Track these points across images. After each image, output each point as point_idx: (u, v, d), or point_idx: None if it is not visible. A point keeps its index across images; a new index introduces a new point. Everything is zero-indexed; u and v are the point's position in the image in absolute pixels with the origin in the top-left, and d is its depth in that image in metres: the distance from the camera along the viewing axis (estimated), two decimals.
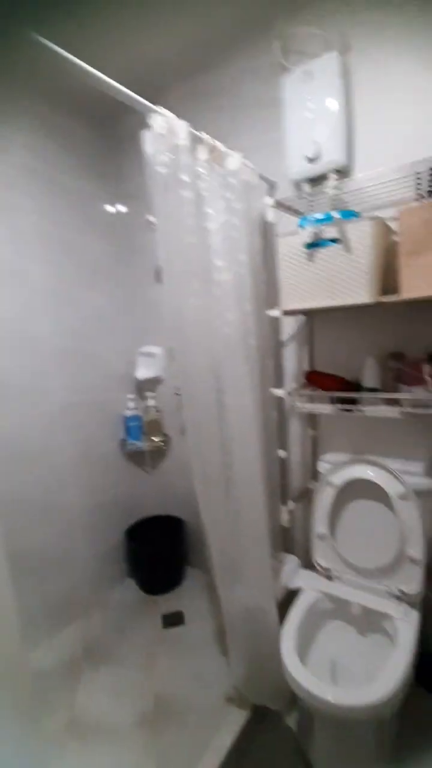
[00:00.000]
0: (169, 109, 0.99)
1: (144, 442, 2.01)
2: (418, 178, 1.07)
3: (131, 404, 2.00)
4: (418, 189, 1.09)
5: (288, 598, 1.31)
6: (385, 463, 1.25)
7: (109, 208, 1.97)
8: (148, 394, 2.00)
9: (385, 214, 1.19)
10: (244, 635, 1.22)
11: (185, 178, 1.03)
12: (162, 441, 2.03)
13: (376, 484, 1.24)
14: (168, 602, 1.86)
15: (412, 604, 1.20)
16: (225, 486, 1.19)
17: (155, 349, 1.99)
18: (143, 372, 2.02)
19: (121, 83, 0.89)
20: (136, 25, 1.45)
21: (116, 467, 2.03)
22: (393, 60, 1.23)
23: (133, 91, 0.92)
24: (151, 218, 1.68)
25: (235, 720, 1.23)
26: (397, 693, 0.98)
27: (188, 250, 1.06)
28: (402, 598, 1.21)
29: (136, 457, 2.11)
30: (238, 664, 1.25)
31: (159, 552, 1.97)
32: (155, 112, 0.97)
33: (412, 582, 1.20)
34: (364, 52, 1.27)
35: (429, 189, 1.06)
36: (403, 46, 1.21)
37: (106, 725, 1.31)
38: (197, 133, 1.08)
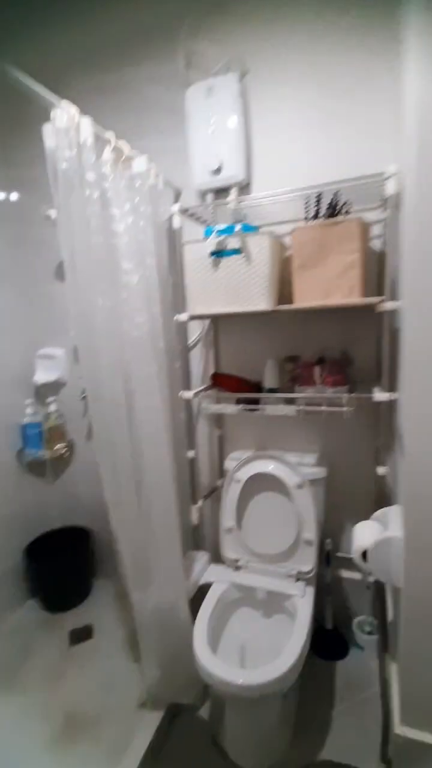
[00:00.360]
0: (70, 101, 0.96)
1: (45, 450, 1.88)
2: (308, 202, 1.20)
3: (29, 410, 1.85)
4: (309, 211, 1.22)
5: (199, 594, 1.35)
6: (284, 456, 1.37)
7: None
8: (49, 398, 1.87)
9: (281, 229, 1.31)
10: (157, 636, 1.23)
11: (90, 177, 1.01)
12: (65, 448, 1.92)
13: (276, 476, 1.35)
14: (76, 617, 1.76)
15: (308, 582, 1.34)
16: (136, 489, 1.18)
17: (56, 351, 1.87)
18: (43, 375, 1.89)
19: (16, 66, 0.84)
20: (38, 10, 1.38)
21: (13, 480, 1.86)
22: (284, 90, 1.36)
23: (29, 76, 0.86)
24: (51, 213, 1.60)
25: (150, 722, 1.22)
26: (298, 664, 1.08)
27: (94, 251, 1.04)
28: (300, 577, 1.34)
29: (36, 468, 1.96)
30: (151, 666, 1.25)
31: (63, 566, 1.86)
32: (58, 106, 0.93)
33: (308, 562, 1.34)
34: (259, 78, 1.38)
35: (317, 212, 1.20)
36: (293, 79, 1.34)
37: (10, 756, 1.20)
38: (102, 131, 1.07)
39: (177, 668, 1.25)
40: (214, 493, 1.67)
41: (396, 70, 1.17)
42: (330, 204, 1.17)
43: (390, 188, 1.06)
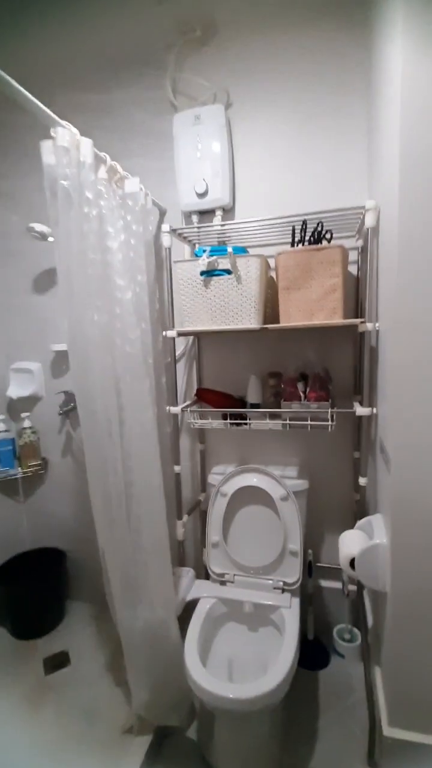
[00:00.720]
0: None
1: (17, 468, 1.81)
2: (294, 229, 1.28)
3: (2, 426, 1.78)
4: (295, 236, 1.29)
5: (185, 610, 1.35)
6: (269, 469, 1.41)
7: None
8: (23, 414, 1.81)
9: (261, 251, 1.37)
10: (146, 655, 1.21)
11: (89, 195, 1.02)
12: (39, 466, 1.86)
13: (261, 489, 1.39)
14: (49, 644, 1.68)
15: (293, 593, 1.37)
16: (126, 504, 1.17)
17: (32, 365, 1.82)
18: (17, 390, 1.83)
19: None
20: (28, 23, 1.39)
21: None
22: (266, 124, 1.45)
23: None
24: (34, 225, 1.58)
25: (138, 748, 1.19)
26: (290, 675, 1.10)
27: (91, 267, 1.04)
28: (286, 588, 1.37)
29: (7, 486, 1.88)
30: (139, 688, 1.22)
31: (35, 590, 1.77)
32: (60, 124, 0.94)
33: (293, 573, 1.38)
34: (243, 110, 1.47)
35: (301, 237, 1.28)
36: (275, 114, 1.44)
37: None
38: (98, 151, 1.09)
39: (166, 688, 1.23)
40: (196, 508, 1.68)
41: (368, 114, 1.29)
42: (314, 231, 1.25)
43: (369, 220, 1.15)
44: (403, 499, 0.96)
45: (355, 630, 1.54)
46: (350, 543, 1.12)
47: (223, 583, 1.44)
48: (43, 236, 1.57)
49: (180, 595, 1.36)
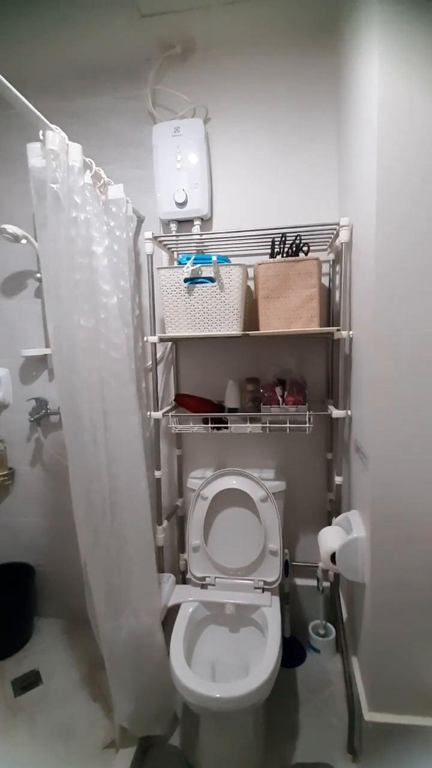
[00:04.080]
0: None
1: None
2: (272, 241, 1.34)
3: None
4: (275, 248, 1.35)
5: (167, 616, 1.34)
6: (248, 472, 1.44)
7: None
8: None
9: (237, 261, 1.43)
10: (130, 665, 1.19)
11: (78, 199, 1.02)
12: (6, 477, 1.78)
13: (241, 491, 1.42)
14: (18, 664, 1.59)
15: (273, 591, 1.41)
16: (110, 512, 1.16)
17: None
18: None
19: None
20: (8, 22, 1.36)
21: None
22: (242, 141, 1.52)
23: None
24: (6, 227, 1.54)
25: (121, 762, 1.16)
26: (275, 671, 1.13)
27: (79, 271, 1.04)
28: (266, 588, 1.40)
29: None
30: (122, 699, 1.19)
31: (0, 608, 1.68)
32: (50, 128, 0.94)
33: (273, 572, 1.41)
34: (220, 126, 1.52)
35: (279, 249, 1.34)
36: (250, 131, 1.51)
37: None
38: (85, 158, 1.09)
39: (151, 697, 1.21)
40: (174, 514, 1.68)
41: (338, 135, 1.39)
42: (292, 243, 1.32)
43: (343, 236, 1.23)
44: (380, 494, 1.03)
45: (329, 625, 1.61)
46: (330, 538, 1.18)
47: (204, 586, 1.45)
48: (16, 238, 1.52)
49: (162, 601, 1.35)
